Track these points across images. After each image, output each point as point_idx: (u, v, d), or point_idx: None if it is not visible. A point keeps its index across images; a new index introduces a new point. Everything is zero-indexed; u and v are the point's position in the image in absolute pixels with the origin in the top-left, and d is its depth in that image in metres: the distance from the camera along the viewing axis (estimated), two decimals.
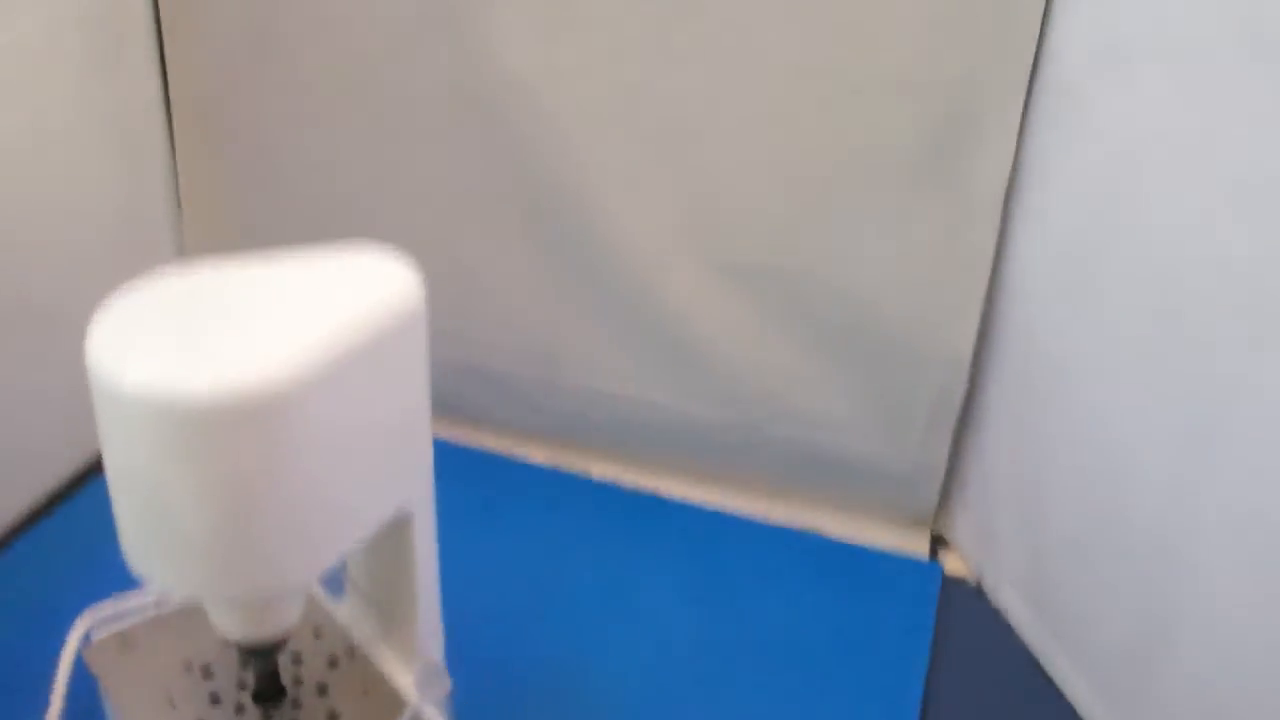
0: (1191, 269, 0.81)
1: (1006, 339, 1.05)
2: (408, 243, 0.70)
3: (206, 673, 0.76)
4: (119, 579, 0.66)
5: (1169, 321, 0.84)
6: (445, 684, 0.73)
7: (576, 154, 1.12)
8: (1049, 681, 1.00)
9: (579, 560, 1.11)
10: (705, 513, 1.19)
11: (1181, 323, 0.82)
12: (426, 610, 0.76)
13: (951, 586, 1.12)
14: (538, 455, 1.26)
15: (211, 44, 1.19)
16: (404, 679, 0.76)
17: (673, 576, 1.10)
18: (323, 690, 0.75)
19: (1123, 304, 0.89)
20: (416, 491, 0.71)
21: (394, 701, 0.74)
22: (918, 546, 1.17)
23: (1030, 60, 0.95)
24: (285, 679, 0.75)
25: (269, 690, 0.74)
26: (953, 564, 1.15)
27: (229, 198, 1.28)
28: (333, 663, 0.77)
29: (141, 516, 0.60)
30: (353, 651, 0.78)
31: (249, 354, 0.57)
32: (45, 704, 0.79)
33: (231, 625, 0.68)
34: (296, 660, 0.78)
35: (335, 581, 0.82)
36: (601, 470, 1.24)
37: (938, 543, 1.18)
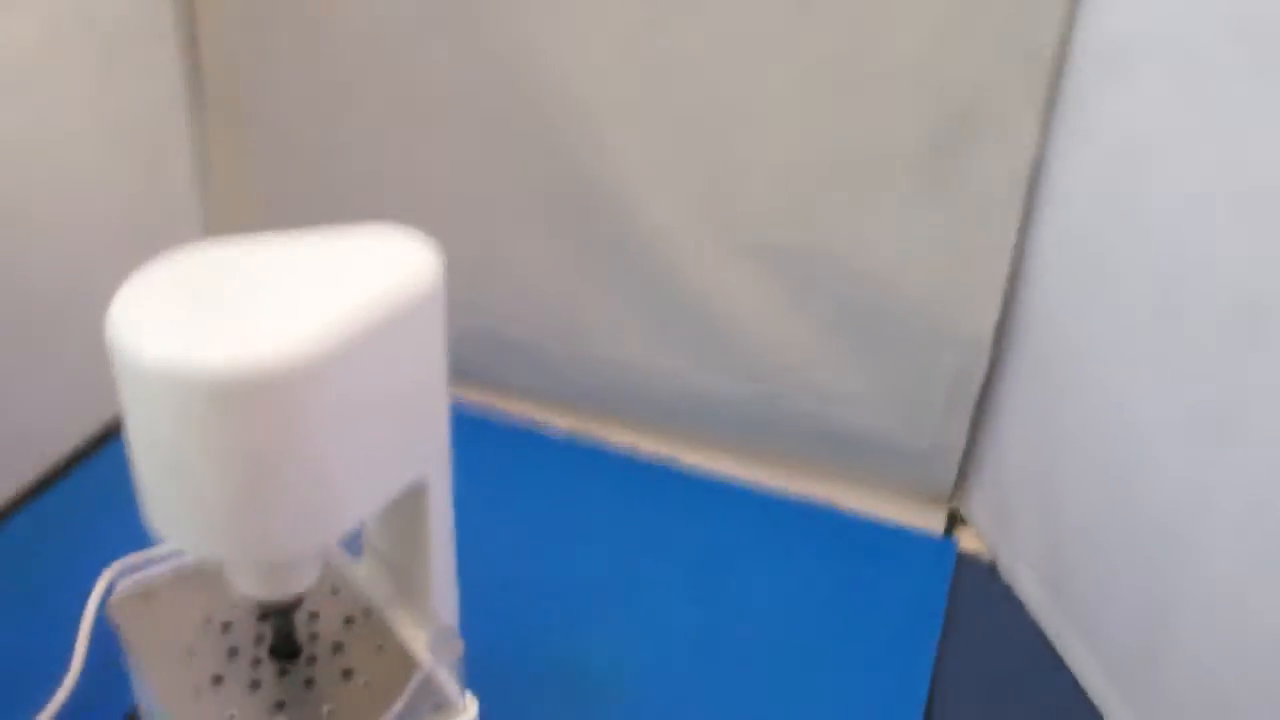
0: (1194, 267, 0.81)
1: (1027, 323, 1.05)
2: (432, 219, 0.71)
3: (225, 627, 0.78)
4: (141, 537, 0.68)
5: (1173, 317, 0.84)
6: (458, 647, 0.74)
7: (601, 133, 1.12)
8: (1059, 660, 1.01)
9: (594, 528, 1.13)
10: (721, 485, 1.20)
11: (1181, 322, 0.83)
12: (441, 575, 0.78)
13: (966, 563, 1.12)
14: (559, 423, 1.28)
15: (240, 26, 1.20)
16: (418, 640, 0.77)
17: (686, 547, 1.11)
18: (338, 648, 0.77)
19: (1135, 295, 0.89)
20: (432, 463, 0.72)
21: (407, 662, 0.76)
22: (933, 523, 1.17)
23: (1054, 50, 0.94)
24: (301, 636, 0.77)
25: (285, 647, 0.76)
26: (968, 541, 1.15)
27: (255, 179, 1.29)
28: (348, 621, 0.79)
29: (161, 482, 0.62)
30: (368, 611, 0.80)
31: (267, 329, 0.58)
32: (67, 657, 0.82)
33: (249, 585, 0.70)
34: (313, 617, 0.79)
35: (354, 543, 0.83)
36: (620, 438, 1.26)
37: (954, 520, 1.18)
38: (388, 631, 0.78)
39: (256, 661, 0.76)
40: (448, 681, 0.74)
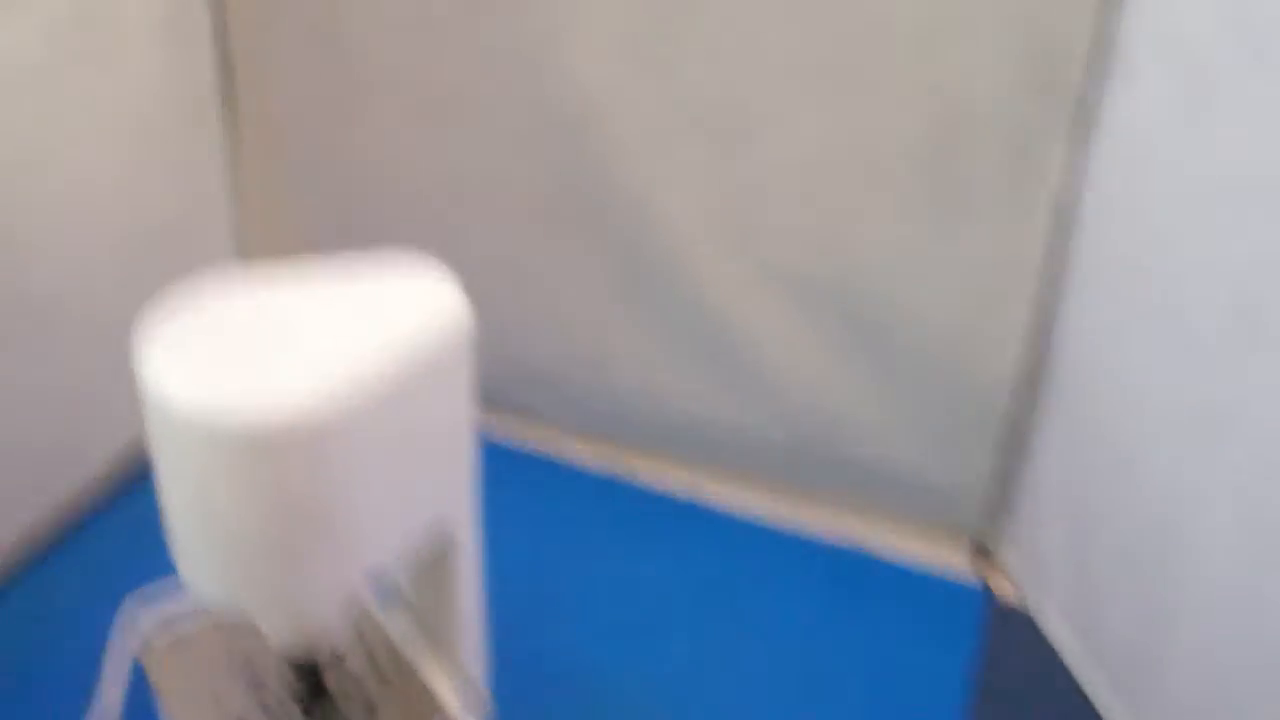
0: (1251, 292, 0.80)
1: (1060, 360, 1.04)
2: (462, 244, 0.70)
3: (253, 673, 0.77)
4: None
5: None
6: (484, 699, 0.74)
7: (631, 162, 1.12)
8: (1086, 701, 0.99)
9: (617, 563, 1.12)
10: (745, 522, 1.19)
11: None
12: (469, 622, 0.77)
13: (997, 607, 1.11)
14: (584, 452, 1.27)
15: (276, 44, 1.20)
16: (444, 688, 0.77)
17: (707, 582, 1.11)
18: (363, 695, 0.76)
19: (1171, 329, 0.87)
20: (458, 507, 0.71)
21: (433, 709, 0.75)
22: (957, 559, 1.16)
23: (1081, 79, 0.93)
24: (327, 681, 0.76)
25: (312, 693, 0.75)
26: (998, 584, 1.14)
27: (288, 197, 1.29)
28: (375, 667, 0.78)
29: (189, 523, 0.62)
30: (396, 658, 0.79)
31: (297, 380, 0.57)
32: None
33: (276, 632, 0.69)
34: (340, 662, 0.79)
35: (382, 589, 0.83)
36: (645, 469, 1.25)
37: (982, 558, 1.17)
38: (414, 679, 0.78)
39: (282, 705, 0.75)
40: None
